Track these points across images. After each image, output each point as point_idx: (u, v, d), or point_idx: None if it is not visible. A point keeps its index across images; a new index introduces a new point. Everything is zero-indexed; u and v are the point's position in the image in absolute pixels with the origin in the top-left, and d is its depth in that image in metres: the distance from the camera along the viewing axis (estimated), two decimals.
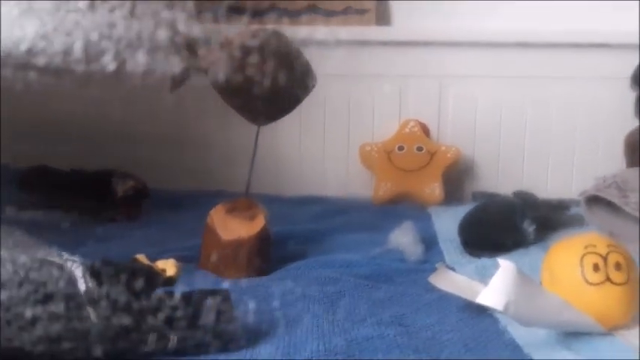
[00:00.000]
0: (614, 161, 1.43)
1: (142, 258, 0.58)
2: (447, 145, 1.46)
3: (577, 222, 1.12)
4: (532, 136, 1.52)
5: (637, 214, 1.02)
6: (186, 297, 0.56)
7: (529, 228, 1.03)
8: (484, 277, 0.85)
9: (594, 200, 1.11)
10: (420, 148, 1.44)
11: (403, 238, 1.02)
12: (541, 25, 1.50)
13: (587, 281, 0.63)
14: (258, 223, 0.88)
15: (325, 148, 1.56)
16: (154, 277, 0.54)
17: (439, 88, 1.51)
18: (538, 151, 1.52)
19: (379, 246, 1.04)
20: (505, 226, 1.02)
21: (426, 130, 1.51)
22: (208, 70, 0.88)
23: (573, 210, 1.20)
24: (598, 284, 0.62)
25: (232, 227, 0.88)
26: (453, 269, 0.83)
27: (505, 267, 0.55)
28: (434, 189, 1.38)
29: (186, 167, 1.51)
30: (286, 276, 0.85)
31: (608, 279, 0.62)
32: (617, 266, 0.63)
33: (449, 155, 1.42)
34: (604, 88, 1.48)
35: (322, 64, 1.57)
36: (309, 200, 1.41)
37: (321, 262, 0.93)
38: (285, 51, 0.86)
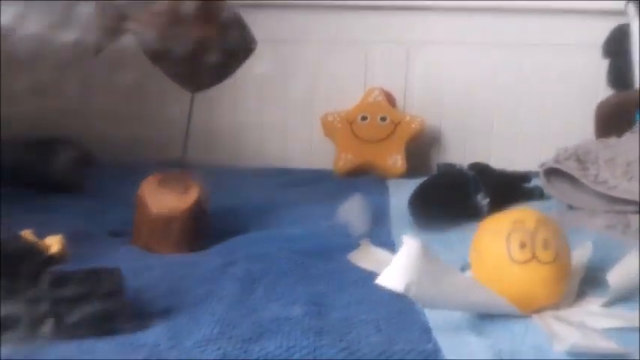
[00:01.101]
0: (587, 132, 1.39)
1: (27, 234, 0.54)
2: (411, 115, 1.41)
3: (537, 195, 1.09)
4: (502, 106, 1.47)
5: (595, 186, 0.99)
6: (74, 277, 0.52)
7: (482, 201, 0.99)
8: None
9: (554, 172, 1.07)
10: (383, 118, 1.39)
11: (350, 213, 0.99)
12: None
13: (512, 259, 0.59)
14: (192, 196, 0.84)
15: (288, 118, 1.51)
16: (35, 255, 0.50)
17: (406, 55, 1.46)
18: (508, 120, 1.47)
19: (329, 220, 1.01)
20: (457, 199, 0.98)
21: (391, 100, 1.46)
22: (139, 34, 0.83)
23: (535, 182, 1.16)
24: (523, 262, 0.58)
25: (164, 200, 0.83)
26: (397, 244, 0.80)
27: (409, 245, 0.51)
28: (396, 160, 1.33)
29: (141, 137, 1.47)
30: (220, 252, 0.81)
31: (534, 257, 0.59)
32: (545, 244, 0.59)
33: (413, 126, 1.37)
34: (578, 56, 1.42)
35: (284, 29, 1.53)
36: (269, 172, 1.36)
37: (262, 238, 0.89)
38: (218, 14, 0.80)
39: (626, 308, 0.56)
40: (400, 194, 1.16)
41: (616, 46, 1.34)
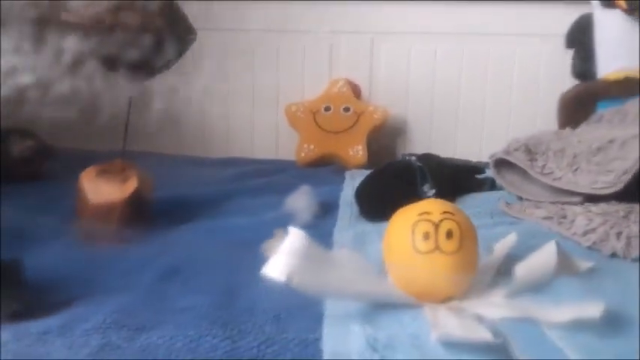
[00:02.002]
0: (553, 122, 1.39)
1: None
2: (375, 105, 1.41)
3: (488, 185, 1.09)
4: (467, 96, 1.47)
5: (541, 177, 0.99)
6: None
7: (429, 192, 0.99)
8: (362, 244, 0.83)
9: (505, 163, 1.07)
10: (347, 109, 1.39)
11: (296, 203, 1.00)
12: None
13: (416, 249, 0.59)
14: (130, 186, 0.84)
15: (254, 108, 1.51)
16: None
17: (371, 46, 1.46)
18: (473, 111, 1.47)
19: (277, 210, 1.01)
20: (403, 189, 0.99)
21: (356, 90, 1.46)
22: (75, 26, 0.83)
23: (488, 173, 1.16)
24: (427, 253, 0.58)
25: (102, 190, 0.84)
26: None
27: (293, 236, 0.51)
28: (357, 151, 1.33)
29: (108, 127, 1.47)
30: (154, 242, 0.80)
31: (437, 248, 0.59)
32: (449, 234, 0.59)
33: (376, 116, 1.37)
34: (543, 46, 1.42)
35: (251, 20, 1.52)
36: (231, 162, 1.37)
37: (201, 228, 0.89)
38: (154, 5, 0.80)
39: (531, 299, 0.57)
40: (353, 184, 1.17)
41: (579, 36, 1.34)
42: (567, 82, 1.38)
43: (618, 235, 0.76)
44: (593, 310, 0.47)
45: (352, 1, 1.42)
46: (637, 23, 1.27)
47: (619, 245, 0.76)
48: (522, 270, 0.60)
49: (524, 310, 0.52)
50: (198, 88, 1.46)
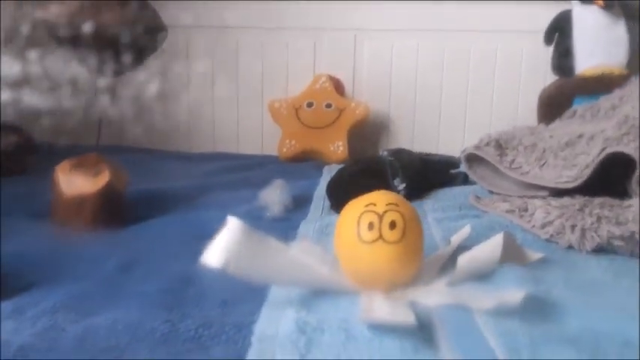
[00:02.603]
0: (534, 118, 1.40)
1: None
2: (356, 101, 1.43)
3: (461, 180, 1.11)
4: (449, 92, 1.49)
5: (510, 172, 1.00)
6: None
7: (399, 186, 1.01)
8: (325, 236, 0.85)
9: (476, 158, 1.09)
10: (329, 105, 1.40)
11: (269, 196, 1.02)
12: None
13: (361, 239, 0.62)
14: (102, 179, 0.87)
15: (239, 103, 1.54)
16: None
17: (354, 42, 1.48)
18: (456, 107, 1.49)
19: (250, 203, 1.04)
20: (374, 183, 1.00)
21: (339, 86, 1.47)
22: (48, 21, 0.86)
23: (462, 167, 1.18)
24: (370, 242, 0.60)
25: (76, 183, 0.87)
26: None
27: (231, 224, 0.53)
28: (338, 146, 1.35)
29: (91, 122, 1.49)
30: (124, 234, 0.84)
31: (380, 237, 0.61)
32: (392, 225, 0.61)
33: (357, 112, 1.39)
34: (525, 42, 1.43)
35: (236, 16, 1.55)
36: (215, 157, 1.39)
37: (175, 220, 0.92)
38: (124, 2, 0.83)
39: (471, 288, 0.59)
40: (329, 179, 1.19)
41: (558, 32, 1.35)
42: (548, 78, 1.40)
43: (573, 227, 0.78)
44: (514, 297, 0.49)
45: None
46: (614, 20, 1.29)
47: (574, 238, 0.78)
48: (465, 260, 0.62)
49: (458, 297, 0.54)
50: (183, 84, 1.50)
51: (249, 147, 1.50)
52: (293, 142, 1.37)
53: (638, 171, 0.80)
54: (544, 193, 0.95)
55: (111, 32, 0.82)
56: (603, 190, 0.89)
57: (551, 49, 1.37)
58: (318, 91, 1.42)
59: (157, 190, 1.08)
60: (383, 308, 0.49)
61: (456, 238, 0.74)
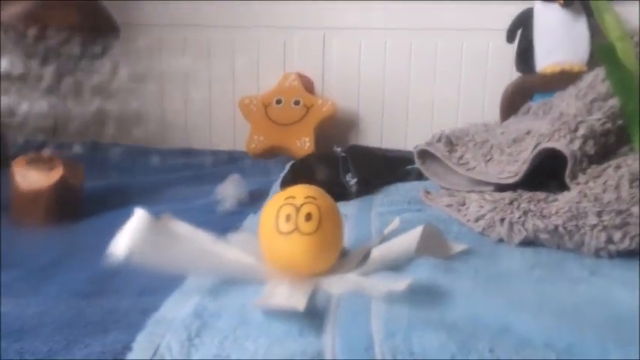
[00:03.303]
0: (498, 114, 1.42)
1: None
2: (324, 99, 1.45)
3: (414, 175, 1.13)
4: (417, 89, 1.51)
5: (457, 168, 1.02)
6: None
7: (351, 181, 1.04)
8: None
9: (429, 153, 1.11)
10: (297, 102, 1.43)
11: (225, 190, 1.05)
12: None
13: (278, 230, 0.64)
14: (56, 173, 0.90)
15: (212, 100, 1.57)
16: None
17: (323, 41, 1.51)
18: (423, 103, 1.51)
19: (207, 198, 1.07)
20: (326, 178, 1.03)
21: (309, 84, 1.50)
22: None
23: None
24: (287, 233, 0.63)
25: (30, 178, 0.90)
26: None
27: (137, 215, 0.56)
28: (304, 143, 1.38)
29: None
30: (75, 228, 0.87)
31: (296, 229, 0.64)
32: (308, 217, 0.63)
33: (324, 109, 1.42)
34: (490, 40, 1.45)
35: (209, 15, 1.57)
36: (185, 153, 1.42)
37: (127, 214, 0.95)
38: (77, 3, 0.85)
39: (382, 277, 0.61)
40: None
41: (521, 30, 1.37)
42: (513, 75, 1.42)
43: (502, 221, 0.80)
44: (400, 285, 0.51)
45: None
46: (574, 17, 1.30)
47: (503, 230, 0.80)
48: (379, 251, 0.65)
49: (361, 285, 0.56)
50: (156, 81, 1.52)
51: (222, 143, 1.53)
52: (261, 138, 1.40)
53: (569, 165, 0.82)
54: (489, 188, 0.97)
55: (61, 33, 0.85)
56: (549, 183, 0.91)
57: (515, 46, 1.39)
58: (287, 88, 1.45)
59: (119, 185, 1.11)
60: (281, 295, 0.51)
61: (387, 231, 0.77)
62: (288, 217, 0.64)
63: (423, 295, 0.54)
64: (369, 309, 0.53)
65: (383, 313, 0.51)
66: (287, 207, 0.64)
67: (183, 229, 0.71)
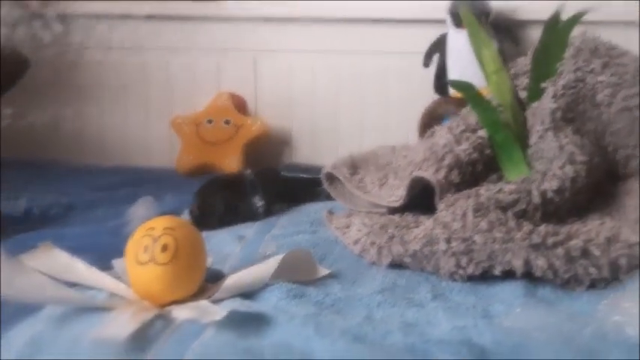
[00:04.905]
0: None
1: None
2: (253, 118, 1.51)
3: (324, 196, 1.17)
4: (346, 110, 1.55)
5: (355, 190, 1.07)
6: None
7: (258, 203, 1.09)
8: None
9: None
10: (227, 122, 1.48)
11: (135, 212, 1.09)
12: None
13: (137, 260, 0.69)
14: None
15: (148, 120, 1.61)
16: None
17: (254, 62, 1.55)
18: (352, 124, 1.55)
19: (119, 220, 1.11)
20: (233, 200, 1.08)
21: (241, 104, 1.55)
22: None
23: None
24: (144, 263, 0.68)
25: None
26: None
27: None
28: (232, 161, 1.42)
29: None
30: None
31: (152, 259, 0.69)
32: (164, 248, 0.68)
33: (254, 128, 1.47)
34: (415, 62, 1.50)
35: (143, 38, 1.62)
36: (116, 170, 1.45)
37: (37, 237, 0.99)
38: None
39: (234, 303, 0.66)
40: None
41: (438, 54, 1.43)
42: (436, 97, 1.47)
43: (372, 244, 0.86)
44: (218, 314, 0.57)
45: (236, 21, 1.52)
46: None
47: (374, 254, 0.86)
48: (233, 278, 0.70)
49: (202, 310, 0.62)
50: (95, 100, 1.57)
51: (158, 160, 1.57)
52: (191, 156, 1.45)
53: (437, 193, 0.87)
54: (383, 211, 1.03)
55: None
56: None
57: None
58: (219, 108, 1.50)
59: (38, 206, 1.16)
60: (113, 324, 0.56)
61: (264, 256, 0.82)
62: (145, 248, 0.69)
63: (251, 322, 0.60)
64: (198, 336, 0.58)
65: (207, 339, 0.57)
66: (145, 238, 0.69)
67: (59, 258, 0.76)
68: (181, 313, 0.63)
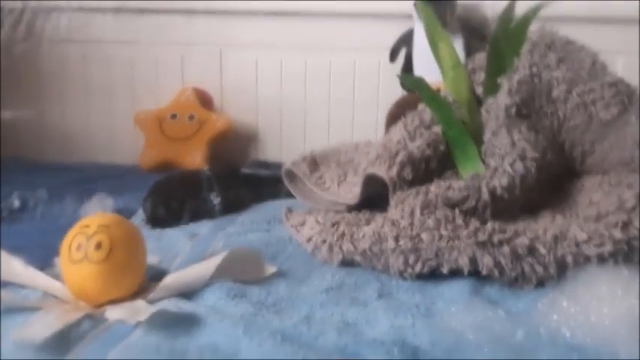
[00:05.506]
0: None
1: None
2: (218, 114, 1.49)
3: (284, 194, 1.15)
4: (313, 105, 1.54)
5: (315, 188, 1.05)
6: None
7: (214, 200, 1.07)
8: None
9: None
10: (191, 117, 1.46)
11: (88, 209, 1.07)
12: None
13: (70, 259, 0.67)
14: None
15: (114, 116, 1.58)
16: None
17: (219, 56, 1.53)
18: (319, 118, 1.54)
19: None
20: (190, 197, 1.06)
21: (206, 99, 1.53)
22: None
23: None
24: (78, 262, 0.66)
25: None
26: None
27: None
28: (195, 157, 1.40)
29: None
30: None
31: (86, 257, 0.67)
32: (98, 246, 0.66)
33: (218, 124, 1.44)
34: (382, 57, 1.48)
35: (110, 31, 1.59)
36: (78, 167, 1.43)
37: None
38: None
39: (169, 303, 0.65)
40: None
41: (405, 49, 1.41)
42: (403, 92, 1.46)
43: (323, 242, 0.84)
44: (145, 312, 0.55)
45: (201, 14, 1.50)
46: (450, 37, 1.35)
47: (325, 252, 0.84)
48: (171, 278, 0.68)
49: (134, 310, 0.60)
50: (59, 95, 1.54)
51: (122, 156, 1.54)
52: (154, 152, 1.42)
53: (390, 190, 0.86)
54: (342, 208, 1.01)
55: None
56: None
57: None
58: (183, 103, 1.47)
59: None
60: (34, 324, 0.54)
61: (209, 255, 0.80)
62: (79, 246, 0.66)
63: (182, 323, 0.58)
64: (126, 336, 0.56)
65: (133, 340, 0.55)
66: (79, 236, 0.67)
67: None
68: (114, 313, 0.61)
